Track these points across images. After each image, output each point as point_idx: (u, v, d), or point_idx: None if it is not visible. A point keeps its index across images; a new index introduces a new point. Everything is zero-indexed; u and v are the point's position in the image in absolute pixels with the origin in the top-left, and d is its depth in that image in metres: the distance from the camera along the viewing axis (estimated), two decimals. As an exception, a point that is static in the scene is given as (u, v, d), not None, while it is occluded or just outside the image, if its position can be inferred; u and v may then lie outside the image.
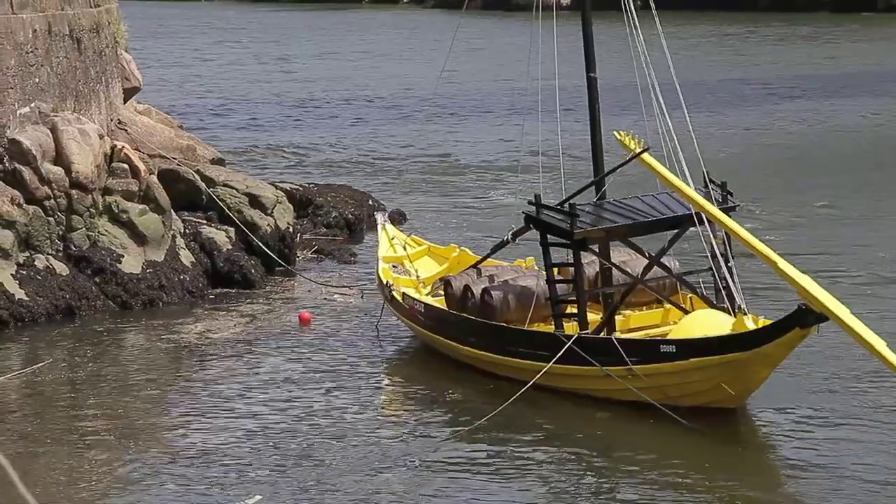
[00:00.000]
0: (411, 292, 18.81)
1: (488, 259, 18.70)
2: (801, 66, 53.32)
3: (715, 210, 16.13)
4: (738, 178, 24.41)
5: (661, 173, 16.59)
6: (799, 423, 15.63)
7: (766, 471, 14.80)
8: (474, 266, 18.47)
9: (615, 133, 17.46)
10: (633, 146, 17.15)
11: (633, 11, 16.80)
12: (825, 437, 15.22)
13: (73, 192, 20.77)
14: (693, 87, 42.31)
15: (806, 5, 74.52)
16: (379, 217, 21.37)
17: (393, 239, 20.56)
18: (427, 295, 18.83)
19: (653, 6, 16.97)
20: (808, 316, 14.67)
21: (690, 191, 16.29)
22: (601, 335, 16.27)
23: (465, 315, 17.51)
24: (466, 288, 17.72)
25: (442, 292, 18.38)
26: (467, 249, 20.24)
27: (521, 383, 16.19)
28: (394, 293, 18.83)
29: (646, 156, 16.97)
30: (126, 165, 21.56)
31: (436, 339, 18.06)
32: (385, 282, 19.21)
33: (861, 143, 36.21)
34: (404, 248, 20.34)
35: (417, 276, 19.49)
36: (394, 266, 19.86)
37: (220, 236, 22.51)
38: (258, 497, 13.80)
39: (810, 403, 16.18)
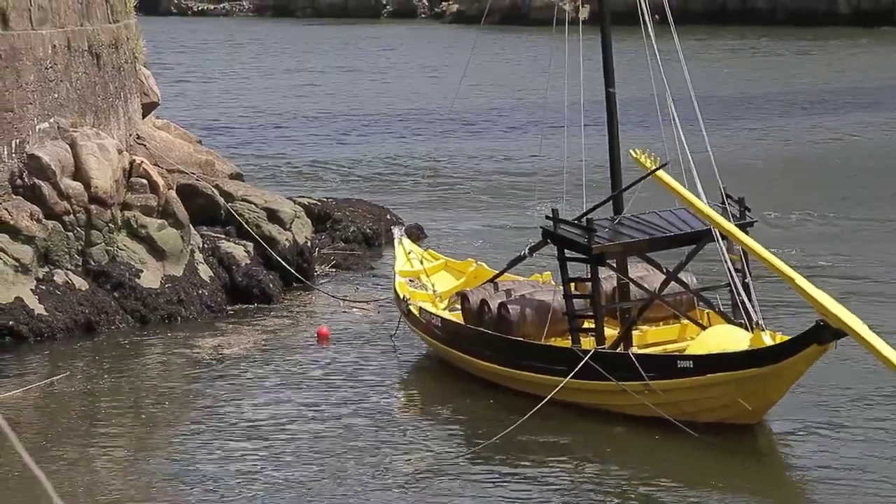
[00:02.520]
0: (428, 306, 18.83)
1: (505, 273, 18.71)
2: (820, 79, 53.23)
3: (731, 227, 16.11)
4: (757, 192, 24.40)
5: (677, 190, 16.59)
6: (817, 438, 15.59)
7: (783, 486, 14.77)
8: (491, 280, 18.48)
9: (631, 152, 17.47)
10: (648, 164, 17.15)
11: (651, 26, 16.81)
12: (843, 451, 15.17)
13: (92, 207, 20.85)
14: (710, 101, 42.29)
15: (823, 19, 74.37)
16: (396, 231, 21.38)
17: (410, 253, 20.58)
18: (444, 309, 18.84)
19: (671, 21, 16.97)
20: (825, 332, 14.64)
21: (706, 207, 16.28)
22: (618, 350, 16.26)
23: (481, 329, 17.51)
24: (483, 302, 17.72)
25: (459, 307, 18.40)
26: (484, 264, 20.25)
27: (537, 398, 16.18)
28: (410, 307, 18.85)
29: (661, 173, 16.96)
30: (145, 180, 21.63)
31: (452, 353, 18.07)
32: (402, 296, 19.23)
33: (881, 157, 36.11)
34: (421, 263, 20.36)
35: (434, 291, 19.51)
36: (410, 280, 19.88)
37: (239, 251, 22.56)
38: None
39: (828, 418, 16.13)
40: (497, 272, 18.89)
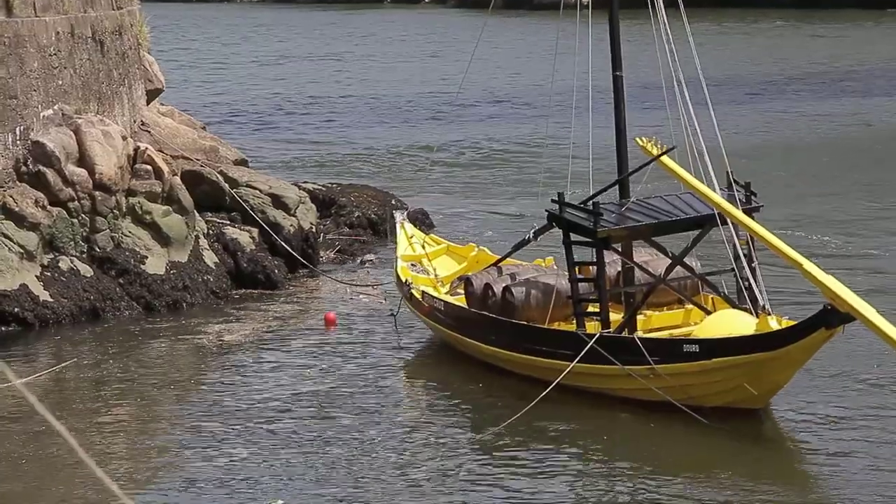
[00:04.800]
0: (430, 290, 18.81)
1: (507, 258, 18.67)
2: (829, 62, 53.08)
3: (737, 212, 16.05)
4: (764, 176, 24.33)
5: (682, 176, 16.52)
6: (823, 422, 15.58)
7: (790, 470, 14.75)
8: (494, 265, 18.45)
9: (637, 140, 17.41)
10: (654, 151, 17.10)
11: (661, 8, 16.74)
12: (849, 435, 15.15)
13: (97, 193, 20.83)
14: (718, 84, 42.19)
15: (830, 2, 74.07)
16: (397, 215, 21.32)
17: (412, 237, 20.55)
18: (445, 294, 18.82)
19: (680, 3, 16.89)
20: (833, 316, 14.60)
21: (712, 193, 16.22)
22: (623, 334, 16.22)
23: (485, 313, 17.47)
24: (487, 286, 17.69)
25: (461, 291, 18.37)
26: (486, 248, 20.22)
27: (541, 381, 16.17)
28: (413, 292, 18.82)
29: (665, 158, 16.91)
30: (149, 167, 21.61)
31: (455, 337, 18.05)
32: (404, 280, 19.22)
33: (889, 139, 36.03)
34: (423, 247, 20.33)
35: (436, 275, 19.49)
36: (412, 265, 19.86)
37: (244, 237, 22.54)
38: (280, 502, 13.81)
39: (834, 401, 16.11)
40: (500, 256, 18.86)
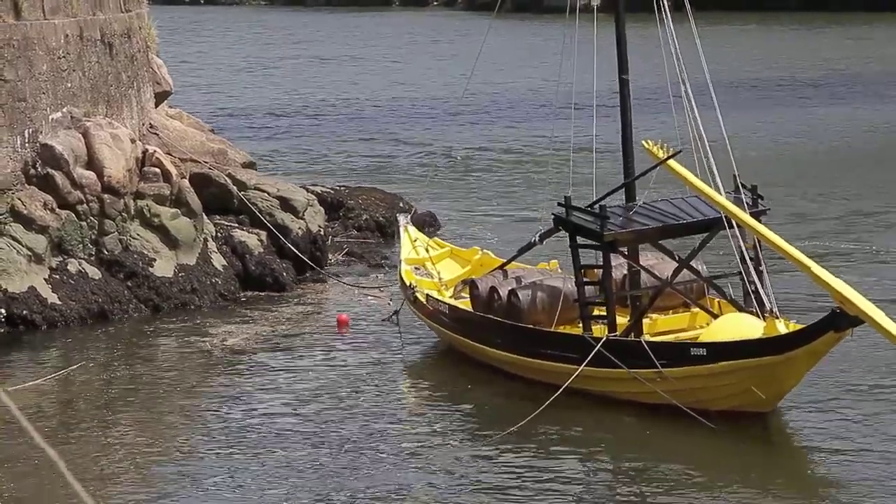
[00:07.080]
0: (434, 294, 18.81)
1: (512, 262, 18.66)
2: (836, 66, 53.04)
3: (745, 215, 16.04)
4: (771, 180, 24.32)
5: (689, 179, 16.51)
6: (831, 425, 15.56)
7: (798, 473, 14.75)
8: (500, 268, 18.44)
9: (644, 142, 17.42)
10: (660, 155, 17.09)
11: (667, 12, 16.75)
12: (858, 439, 15.14)
13: (106, 196, 20.87)
14: (725, 88, 42.17)
15: (838, 5, 74.01)
16: (401, 219, 21.30)
17: (415, 241, 20.55)
18: (449, 297, 18.82)
19: (688, 7, 16.88)
20: (842, 319, 14.59)
21: (718, 196, 16.21)
22: (630, 338, 16.21)
23: (491, 317, 17.46)
24: (493, 289, 17.68)
25: (465, 295, 18.36)
26: (489, 252, 20.21)
27: (546, 384, 16.15)
28: (417, 295, 18.82)
29: (672, 162, 16.90)
30: (158, 169, 21.64)
31: (461, 340, 18.04)
32: (408, 283, 19.22)
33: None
34: (426, 251, 20.33)
35: (440, 278, 19.49)
36: (416, 268, 19.87)
37: (252, 239, 22.56)
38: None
39: (843, 405, 16.09)
40: (504, 260, 18.84)
